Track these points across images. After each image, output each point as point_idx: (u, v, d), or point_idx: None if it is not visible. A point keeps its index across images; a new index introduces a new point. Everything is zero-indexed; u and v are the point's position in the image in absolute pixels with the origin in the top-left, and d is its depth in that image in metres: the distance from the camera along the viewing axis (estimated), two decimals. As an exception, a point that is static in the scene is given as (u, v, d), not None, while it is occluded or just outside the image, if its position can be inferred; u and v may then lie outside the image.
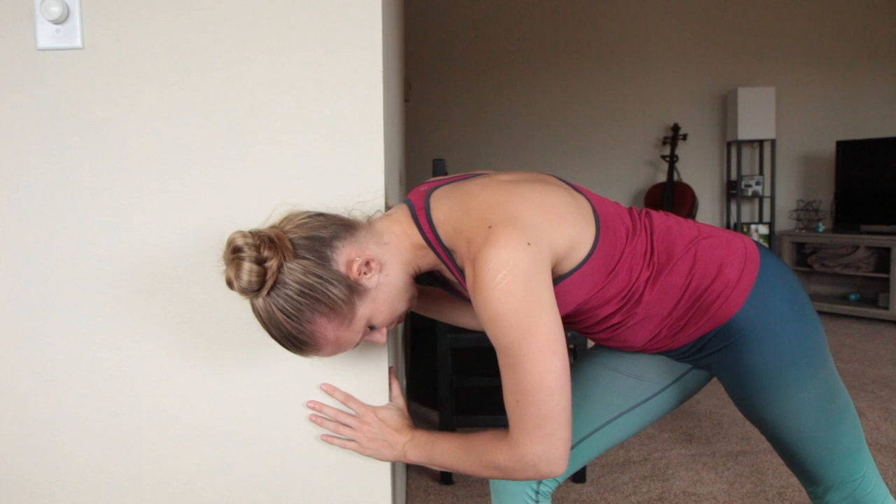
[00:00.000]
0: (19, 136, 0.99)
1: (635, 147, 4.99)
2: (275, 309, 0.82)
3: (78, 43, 0.97)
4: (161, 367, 1.03)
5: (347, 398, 1.01)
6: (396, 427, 0.98)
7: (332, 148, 0.99)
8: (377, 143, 0.99)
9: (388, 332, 0.93)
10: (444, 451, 0.92)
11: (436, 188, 0.94)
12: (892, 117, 4.77)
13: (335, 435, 1.01)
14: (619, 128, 4.98)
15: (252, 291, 0.81)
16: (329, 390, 1.01)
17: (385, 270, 0.88)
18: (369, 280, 0.86)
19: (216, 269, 1.01)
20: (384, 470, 1.04)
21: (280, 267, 0.80)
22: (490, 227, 0.80)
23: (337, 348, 0.87)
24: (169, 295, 1.02)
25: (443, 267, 0.93)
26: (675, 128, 4.77)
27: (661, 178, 4.96)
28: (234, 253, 0.80)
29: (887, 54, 4.75)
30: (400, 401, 1.02)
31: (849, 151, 4.33)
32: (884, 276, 4.03)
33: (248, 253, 0.79)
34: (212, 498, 1.05)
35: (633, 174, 5.01)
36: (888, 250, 3.99)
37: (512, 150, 5.04)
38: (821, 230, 4.44)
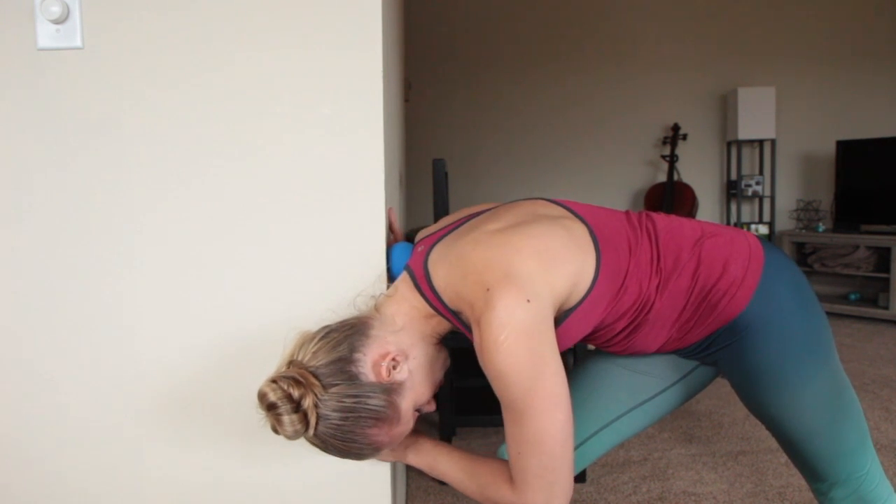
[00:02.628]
0: (19, 136, 0.99)
1: (635, 147, 4.99)
2: (328, 438, 0.84)
3: (78, 43, 0.97)
4: (162, 367, 1.03)
5: (348, 399, 1.01)
6: (396, 429, 0.98)
7: (332, 148, 0.99)
8: (377, 144, 0.99)
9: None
10: (447, 467, 0.94)
11: (432, 248, 0.94)
12: (892, 117, 4.77)
13: (335, 436, 1.01)
14: (619, 127, 4.98)
15: (301, 435, 0.83)
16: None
17: (411, 356, 0.89)
18: (400, 374, 0.87)
19: (216, 266, 1.01)
20: (384, 470, 1.04)
21: (316, 404, 0.82)
22: (488, 289, 0.81)
23: (394, 441, 0.89)
24: (169, 292, 1.02)
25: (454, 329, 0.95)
26: (675, 128, 4.77)
27: (661, 178, 4.96)
28: (270, 410, 0.82)
29: (887, 54, 4.75)
30: (400, 402, 1.02)
31: (849, 151, 4.33)
32: (884, 276, 4.03)
33: (283, 407, 0.81)
34: (212, 498, 1.05)
35: (633, 174, 5.01)
36: (888, 250, 3.99)
37: (512, 150, 5.04)
38: (821, 230, 4.44)
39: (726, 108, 4.86)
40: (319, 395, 0.82)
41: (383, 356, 0.85)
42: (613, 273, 0.90)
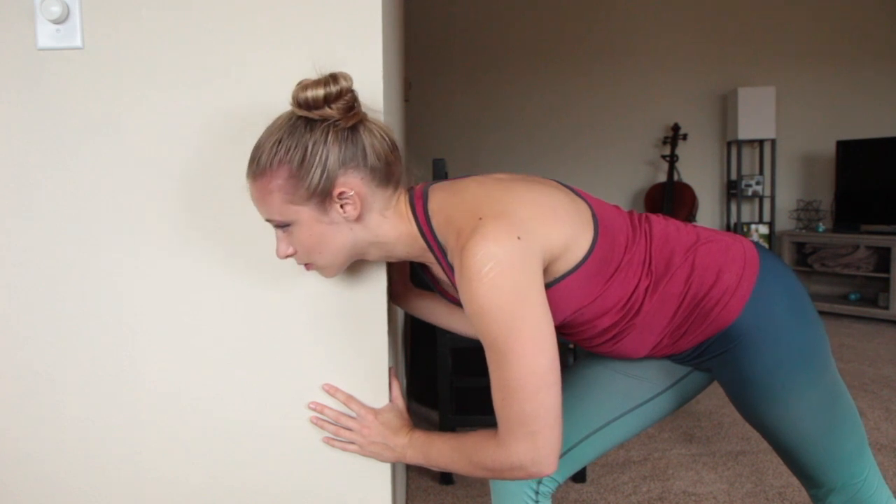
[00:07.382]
0: (19, 136, 0.99)
1: (635, 147, 4.99)
2: (284, 122, 0.83)
3: (78, 43, 0.97)
4: (162, 368, 1.03)
5: (348, 399, 1.00)
6: (395, 429, 0.98)
7: (333, 148, 0.99)
8: (377, 144, 0.99)
9: (284, 250, 0.88)
10: (440, 451, 0.91)
11: (436, 183, 0.94)
12: (892, 117, 4.77)
13: (336, 438, 1.01)
14: (619, 127, 4.98)
15: (317, 104, 0.81)
16: (331, 391, 1.01)
17: (357, 225, 0.86)
18: (337, 211, 0.83)
19: (217, 267, 1.01)
20: (384, 470, 1.04)
21: (355, 116, 0.82)
22: (480, 218, 0.79)
23: (262, 205, 0.85)
24: (170, 294, 1.02)
25: (431, 260, 0.92)
26: (675, 127, 4.77)
27: (661, 177, 4.96)
28: (335, 82, 0.81)
29: (887, 54, 4.75)
30: (400, 402, 1.02)
31: (849, 151, 4.33)
32: (884, 275, 4.03)
33: (348, 94, 0.82)
34: (212, 498, 1.05)
35: (633, 174, 5.01)
36: (888, 250, 3.99)
37: (512, 149, 5.04)
38: (821, 230, 4.44)
39: (726, 108, 4.86)
40: (358, 123, 0.83)
41: (355, 191, 0.83)
42: (606, 260, 0.88)
